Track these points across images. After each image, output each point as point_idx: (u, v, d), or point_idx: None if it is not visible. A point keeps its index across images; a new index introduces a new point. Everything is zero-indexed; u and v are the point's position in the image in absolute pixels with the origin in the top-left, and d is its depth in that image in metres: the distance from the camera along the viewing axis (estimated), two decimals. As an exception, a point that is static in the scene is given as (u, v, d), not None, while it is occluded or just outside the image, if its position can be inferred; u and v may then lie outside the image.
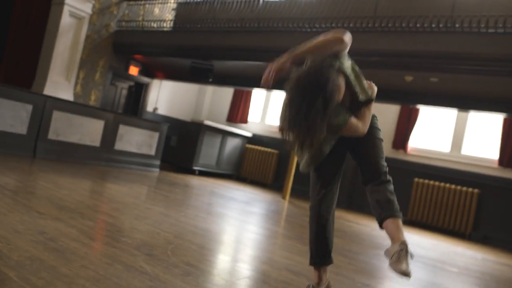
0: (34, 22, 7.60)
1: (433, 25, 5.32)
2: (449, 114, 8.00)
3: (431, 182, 7.65)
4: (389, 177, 2.02)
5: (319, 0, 6.78)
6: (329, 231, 2.13)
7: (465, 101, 6.53)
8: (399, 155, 8.19)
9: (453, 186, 7.44)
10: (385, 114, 8.42)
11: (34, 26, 7.61)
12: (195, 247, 2.78)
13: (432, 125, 8.24)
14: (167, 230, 3.11)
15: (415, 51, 5.45)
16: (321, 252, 2.12)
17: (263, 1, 7.39)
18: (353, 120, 1.98)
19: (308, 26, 6.29)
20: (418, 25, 5.41)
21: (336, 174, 2.13)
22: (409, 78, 6.03)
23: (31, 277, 1.72)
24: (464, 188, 7.32)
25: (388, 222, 1.88)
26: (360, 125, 2.00)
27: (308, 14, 6.48)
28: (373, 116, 2.15)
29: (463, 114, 7.78)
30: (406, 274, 1.67)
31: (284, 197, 7.49)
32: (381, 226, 1.93)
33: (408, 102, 7.09)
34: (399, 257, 1.71)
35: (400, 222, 1.89)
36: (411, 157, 8.12)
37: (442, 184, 7.55)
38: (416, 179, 7.79)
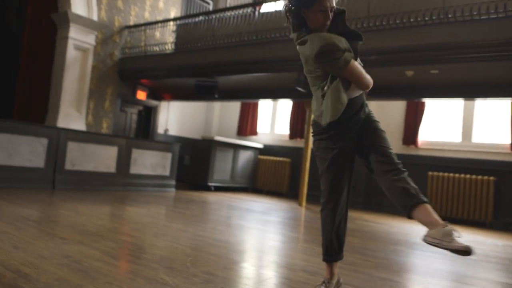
0: (41, 58, 7.87)
1: (427, 18, 5.39)
2: (456, 104, 8.01)
3: (446, 174, 7.63)
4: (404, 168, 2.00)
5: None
6: (342, 227, 2.17)
7: (470, 89, 6.54)
8: (410, 150, 8.20)
9: (468, 176, 7.41)
10: (391, 111, 8.47)
11: (42, 62, 7.88)
12: (214, 258, 2.87)
13: (440, 117, 8.24)
14: (186, 244, 3.21)
15: (412, 45, 5.52)
16: (333, 248, 2.16)
17: (259, 13, 7.55)
18: (356, 63, 2.04)
19: (305, 34, 6.40)
20: (411, 20, 5.49)
21: (349, 170, 2.13)
22: (409, 73, 6.09)
23: (60, 296, 1.83)
24: (480, 177, 7.29)
25: (421, 209, 1.84)
26: (364, 72, 2.05)
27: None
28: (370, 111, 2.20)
29: (469, 102, 7.78)
30: (469, 249, 1.63)
31: (300, 204, 7.55)
32: (410, 215, 1.89)
33: (413, 96, 7.13)
34: (452, 236, 1.69)
35: (430, 207, 1.87)
36: (422, 151, 8.12)
37: (457, 175, 7.52)
38: (430, 173, 7.78)
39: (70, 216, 3.95)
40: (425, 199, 1.87)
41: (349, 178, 2.16)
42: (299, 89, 6.67)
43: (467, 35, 5.11)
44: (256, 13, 7.53)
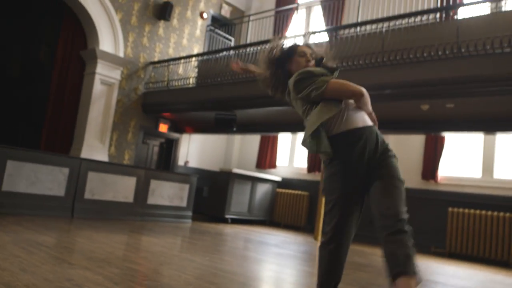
0: (69, 92, 8.28)
1: (440, 53, 5.44)
2: (476, 139, 7.89)
3: (466, 210, 7.43)
4: (407, 227, 1.81)
5: (328, 42, 7.07)
6: (340, 267, 2.05)
7: (489, 123, 6.47)
8: (429, 185, 8.05)
9: (489, 213, 7.19)
10: (410, 146, 8.40)
11: (69, 96, 8.28)
12: (214, 287, 2.90)
13: (460, 152, 8.12)
14: (190, 273, 3.26)
15: (425, 79, 5.55)
16: (329, 285, 2.05)
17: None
18: (334, 80, 2.02)
19: (320, 69, 6.55)
20: (425, 54, 5.55)
21: (357, 211, 2.02)
22: (425, 107, 6.09)
23: (54, 316, 1.91)
24: (501, 214, 7.07)
25: (403, 280, 1.69)
26: (349, 83, 2.02)
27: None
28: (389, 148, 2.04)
29: (490, 137, 7.65)
30: None
31: (316, 238, 7.47)
32: (392, 283, 1.75)
33: (430, 130, 7.08)
34: None
35: (415, 281, 1.71)
36: (442, 187, 7.97)
37: (478, 211, 7.32)
38: (450, 209, 7.59)
39: (82, 243, 4.06)
40: (412, 271, 1.71)
41: (357, 219, 2.04)
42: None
43: (481, 69, 5.12)
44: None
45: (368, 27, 6.54)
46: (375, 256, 6.06)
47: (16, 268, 2.68)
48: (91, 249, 3.75)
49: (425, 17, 5.96)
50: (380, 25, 6.34)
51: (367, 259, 5.52)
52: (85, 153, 7.84)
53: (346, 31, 7.15)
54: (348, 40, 6.61)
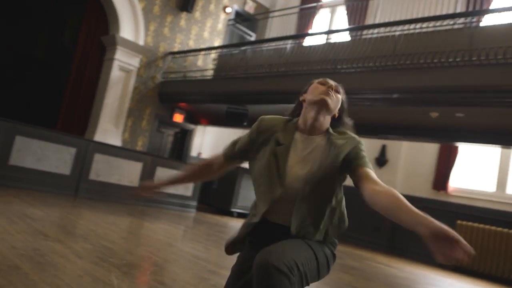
0: (88, 77, 8.49)
1: (450, 60, 5.28)
2: (492, 151, 7.62)
3: (476, 225, 7.19)
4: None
5: (340, 44, 6.99)
6: None
7: (504, 136, 6.24)
8: (439, 196, 7.83)
9: (499, 229, 6.94)
10: (423, 154, 8.20)
11: (88, 80, 8.49)
12: (180, 271, 2.93)
13: (475, 164, 7.86)
14: (162, 256, 3.30)
15: (435, 86, 5.40)
16: None
17: (290, 47, 7.74)
18: None
19: (330, 68, 6.49)
20: (435, 60, 5.41)
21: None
22: (434, 114, 5.93)
23: (0, 278, 1.98)
24: None
25: None
26: None
27: (331, 56, 6.69)
28: None
29: (507, 150, 7.37)
30: None
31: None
32: None
33: (440, 139, 6.89)
34: None
35: None
36: (453, 198, 7.73)
37: (488, 226, 7.07)
38: (459, 222, 7.36)
39: (69, 220, 4.18)
40: None
41: None
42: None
43: (492, 79, 4.94)
44: (288, 47, 7.73)
45: (382, 29, 6.42)
46: (370, 261, 5.96)
47: (-12, 234, 2.79)
48: (75, 225, 3.86)
49: (438, 22, 5.79)
50: (393, 28, 6.21)
51: (361, 263, 5.44)
52: (99, 136, 8.02)
53: (359, 32, 7.05)
54: (361, 42, 6.52)
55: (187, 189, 7.86)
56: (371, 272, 5.01)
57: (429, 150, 8.15)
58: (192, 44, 9.83)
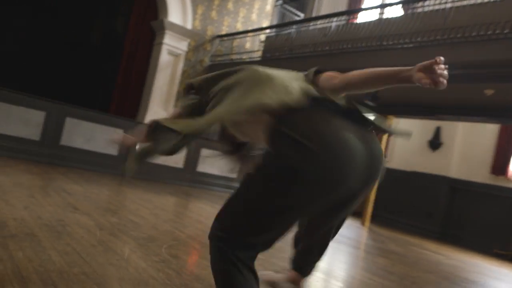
0: (139, 62, 8.76)
1: (506, 31, 4.80)
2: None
3: (539, 213, 6.61)
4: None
5: (386, 20, 6.60)
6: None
7: None
8: (498, 181, 7.25)
9: None
10: (481, 135, 7.63)
11: (139, 65, 8.77)
12: (194, 244, 2.94)
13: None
14: (185, 231, 3.33)
15: (490, 60, 4.96)
16: None
17: (335, 26, 7.45)
18: None
19: (376, 45, 6.17)
20: (489, 32, 4.94)
21: None
22: (489, 92, 5.46)
23: (12, 244, 2.08)
24: None
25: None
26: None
27: (376, 33, 6.36)
28: None
29: None
30: None
31: (363, 223, 7.18)
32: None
33: (495, 119, 6.34)
34: None
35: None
36: (514, 184, 7.15)
37: (553, 214, 6.47)
38: (520, 209, 6.81)
39: (105, 195, 4.34)
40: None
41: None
42: (368, 102, 6.42)
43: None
44: (333, 25, 7.44)
45: (431, 2, 5.97)
46: (417, 247, 5.67)
47: (19, 204, 2.97)
48: (110, 201, 4.00)
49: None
50: (443, 0, 5.77)
51: (406, 248, 5.19)
52: (149, 119, 8.27)
53: (411, 5, 6.63)
54: (408, 17, 6.13)
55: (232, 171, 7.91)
56: (412, 257, 4.76)
57: (488, 132, 7.56)
58: (239, 27, 9.80)
